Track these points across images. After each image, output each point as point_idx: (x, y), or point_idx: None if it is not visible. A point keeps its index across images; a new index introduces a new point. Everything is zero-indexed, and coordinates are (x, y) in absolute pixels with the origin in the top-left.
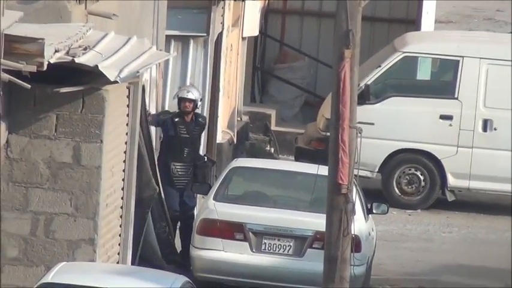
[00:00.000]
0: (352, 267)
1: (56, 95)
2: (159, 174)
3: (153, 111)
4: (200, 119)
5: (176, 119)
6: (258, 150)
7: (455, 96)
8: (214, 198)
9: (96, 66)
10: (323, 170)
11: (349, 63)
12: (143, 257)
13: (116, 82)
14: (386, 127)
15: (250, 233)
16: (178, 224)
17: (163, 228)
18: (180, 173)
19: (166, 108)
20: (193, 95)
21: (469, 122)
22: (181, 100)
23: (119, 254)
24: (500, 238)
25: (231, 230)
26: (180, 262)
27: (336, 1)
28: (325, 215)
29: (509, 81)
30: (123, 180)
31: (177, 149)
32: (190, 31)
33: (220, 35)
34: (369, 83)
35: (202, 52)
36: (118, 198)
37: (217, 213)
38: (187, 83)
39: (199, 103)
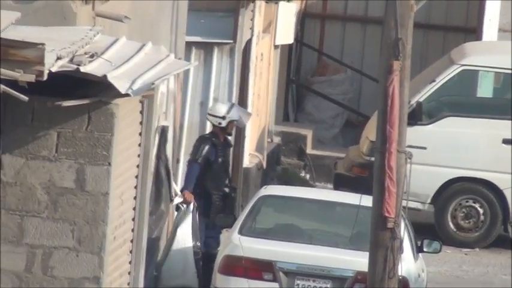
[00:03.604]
0: None
1: (58, 110)
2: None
3: (171, 128)
4: (229, 138)
5: (214, 139)
6: (291, 177)
7: None
8: (240, 232)
9: (105, 76)
10: (366, 201)
11: (398, 77)
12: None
13: (127, 95)
14: (441, 152)
15: (280, 272)
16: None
17: (197, 249)
18: (217, 202)
19: (185, 125)
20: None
21: None
22: (232, 122)
23: None
24: None
25: (258, 269)
26: None
27: (383, 5)
28: (368, 253)
29: None
30: (133, 209)
31: (217, 175)
32: (215, 37)
33: (249, 42)
34: (421, 100)
35: (228, 61)
36: (128, 230)
37: (243, 250)
38: (211, 96)
39: None
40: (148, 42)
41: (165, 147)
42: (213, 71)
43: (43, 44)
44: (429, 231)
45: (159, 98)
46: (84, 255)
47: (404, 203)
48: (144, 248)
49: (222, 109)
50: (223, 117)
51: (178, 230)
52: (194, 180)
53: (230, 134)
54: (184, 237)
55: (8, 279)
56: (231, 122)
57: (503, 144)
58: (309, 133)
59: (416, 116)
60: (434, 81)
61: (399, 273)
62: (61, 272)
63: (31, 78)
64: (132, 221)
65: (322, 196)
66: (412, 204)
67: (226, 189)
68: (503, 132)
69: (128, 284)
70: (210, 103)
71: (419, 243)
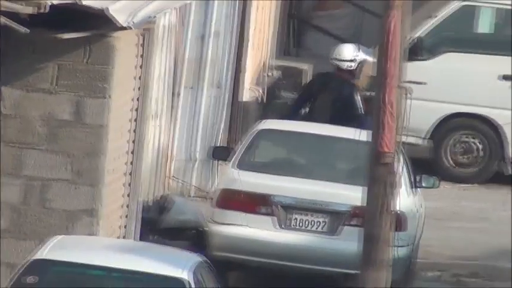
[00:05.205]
0: (394, 248)
1: (58, 42)
2: None
3: (170, 62)
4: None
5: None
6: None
7: None
8: (237, 166)
9: (105, 9)
10: (364, 135)
11: (398, 13)
12: None
13: (127, 28)
14: (440, 87)
15: (277, 206)
16: None
17: None
18: None
19: (186, 58)
20: None
21: None
22: (361, 63)
23: (125, 227)
24: None
25: (255, 203)
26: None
27: None
28: (365, 188)
29: None
30: (133, 141)
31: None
32: None
33: None
34: (421, 35)
35: None
36: (124, 163)
37: (240, 183)
38: (212, 30)
39: None
40: None
41: None
42: (214, 4)
43: None
44: (427, 167)
45: (158, 31)
46: (82, 188)
47: (402, 138)
48: (140, 180)
49: (350, 51)
50: (353, 60)
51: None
52: None
53: (358, 78)
54: None
55: (5, 210)
56: (360, 64)
57: (502, 80)
58: (308, 67)
59: (416, 52)
60: (435, 16)
61: (396, 208)
62: (59, 204)
63: (32, 10)
64: (130, 154)
65: (320, 130)
66: (410, 139)
67: None
68: (502, 68)
69: (126, 216)
70: (211, 36)
71: (417, 178)
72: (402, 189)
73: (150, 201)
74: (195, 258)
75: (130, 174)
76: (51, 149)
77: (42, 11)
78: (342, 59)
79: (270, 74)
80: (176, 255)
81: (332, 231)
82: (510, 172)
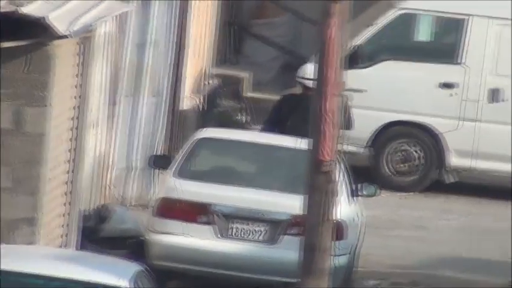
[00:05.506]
0: (333, 257)
1: None
2: None
3: (108, 70)
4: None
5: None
6: (229, 120)
7: (459, 61)
8: (176, 175)
9: (44, 17)
10: (304, 144)
11: (337, 20)
12: None
13: (66, 36)
14: (379, 95)
15: (216, 215)
16: None
17: None
18: None
19: (124, 67)
20: None
21: (474, 92)
22: None
23: (65, 236)
24: (505, 227)
25: (194, 212)
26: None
27: None
28: (305, 196)
29: None
30: (73, 150)
31: None
32: None
33: None
34: (360, 43)
35: (166, 3)
36: (64, 171)
37: (179, 192)
38: (151, 39)
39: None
40: None
41: None
42: (152, 13)
43: None
44: (366, 175)
45: (98, 40)
46: (22, 197)
47: (341, 146)
48: (80, 189)
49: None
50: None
51: None
52: None
53: None
54: None
55: None
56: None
57: (441, 88)
58: (246, 76)
59: (354, 59)
60: (373, 24)
61: (335, 217)
62: None
63: None
64: (68, 163)
65: (259, 139)
66: (350, 148)
67: None
68: (441, 76)
69: (66, 225)
70: (150, 45)
71: (356, 186)
72: (342, 197)
73: (89, 210)
74: (135, 267)
75: (70, 182)
76: None
77: None
78: (309, 77)
79: (209, 82)
80: (116, 264)
81: (272, 240)
82: (451, 181)
